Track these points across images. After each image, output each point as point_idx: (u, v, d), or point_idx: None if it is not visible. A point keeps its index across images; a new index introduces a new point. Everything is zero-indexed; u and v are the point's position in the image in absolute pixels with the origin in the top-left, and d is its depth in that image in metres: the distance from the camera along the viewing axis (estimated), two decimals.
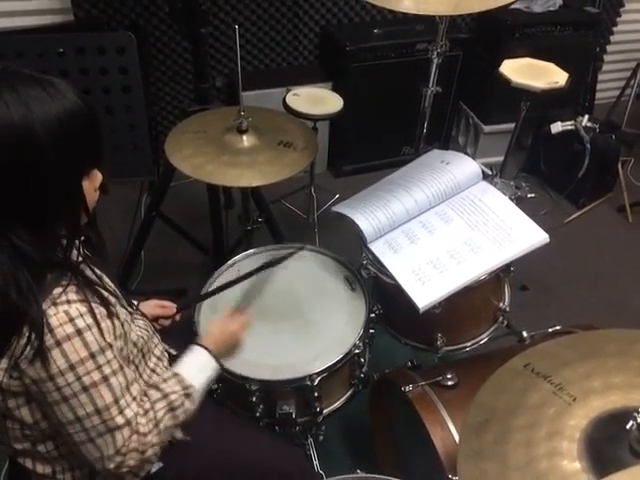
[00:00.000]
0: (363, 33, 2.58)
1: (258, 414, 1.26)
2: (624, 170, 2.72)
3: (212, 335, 1.12)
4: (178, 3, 1.60)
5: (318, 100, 2.06)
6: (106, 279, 0.98)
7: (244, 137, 1.51)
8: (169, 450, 1.00)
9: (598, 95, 3.15)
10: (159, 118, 2.62)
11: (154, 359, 1.08)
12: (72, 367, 0.83)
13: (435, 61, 1.52)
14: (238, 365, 1.22)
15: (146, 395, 0.97)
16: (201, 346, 1.07)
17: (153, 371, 1.07)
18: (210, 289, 1.37)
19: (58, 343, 0.82)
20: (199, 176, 1.40)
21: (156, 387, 0.99)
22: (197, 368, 1.05)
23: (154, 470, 1.06)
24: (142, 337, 1.04)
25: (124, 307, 0.98)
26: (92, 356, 0.85)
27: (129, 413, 0.91)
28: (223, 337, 1.12)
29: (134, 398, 0.92)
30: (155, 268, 2.25)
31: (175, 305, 1.26)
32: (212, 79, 1.82)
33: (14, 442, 0.95)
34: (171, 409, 0.98)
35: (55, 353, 0.82)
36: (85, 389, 0.85)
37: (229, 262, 1.46)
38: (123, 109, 1.54)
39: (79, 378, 0.84)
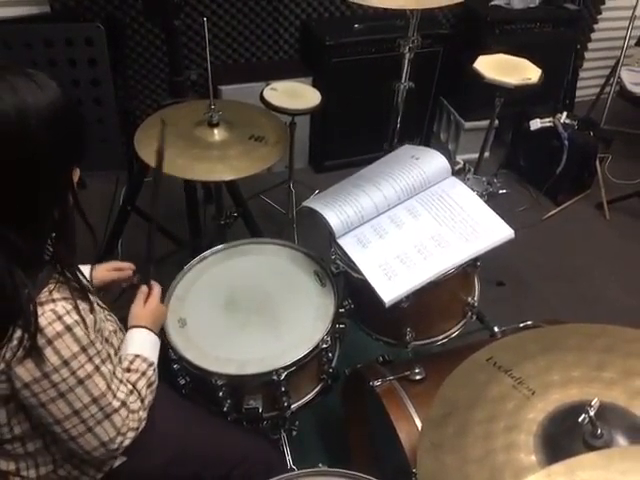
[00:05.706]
0: (343, 28, 2.57)
1: (225, 409, 1.25)
2: (602, 167, 2.74)
3: (142, 316, 1.15)
4: None
5: (296, 95, 2.05)
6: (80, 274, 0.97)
7: (215, 131, 1.49)
8: (133, 444, 1.00)
9: (579, 92, 3.16)
10: (138, 112, 2.60)
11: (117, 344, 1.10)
12: (66, 363, 0.85)
13: (407, 56, 1.51)
14: (205, 360, 1.22)
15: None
16: (142, 327, 1.12)
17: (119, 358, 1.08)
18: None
19: (49, 342, 0.83)
20: (168, 170, 1.38)
21: (129, 369, 1.03)
22: (149, 346, 1.10)
23: (117, 464, 1.07)
24: (112, 332, 1.05)
25: (98, 303, 1.00)
26: (83, 350, 0.87)
27: (121, 395, 0.95)
28: (150, 314, 1.16)
29: (120, 380, 0.97)
30: (132, 262, 2.23)
31: (132, 266, 1.25)
32: (187, 72, 1.80)
33: None
34: (149, 385, 1.04)
35: (48, 351, 0.83)
36: (80, 382, 0.88)
37: (199, 256, 1.45)
38: (92, 102, 1.53)
39: (74, 372, 0.86)
